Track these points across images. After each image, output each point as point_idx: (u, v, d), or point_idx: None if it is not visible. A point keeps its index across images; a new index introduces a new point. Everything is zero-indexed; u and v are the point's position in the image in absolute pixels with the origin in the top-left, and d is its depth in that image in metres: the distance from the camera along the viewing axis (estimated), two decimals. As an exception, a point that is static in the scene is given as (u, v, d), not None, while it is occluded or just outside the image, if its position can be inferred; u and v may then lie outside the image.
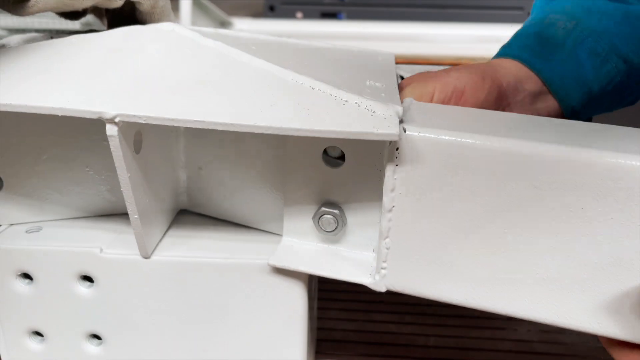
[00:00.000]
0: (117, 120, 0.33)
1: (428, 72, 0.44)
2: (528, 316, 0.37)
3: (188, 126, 0.32)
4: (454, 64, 1.36)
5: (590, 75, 0.46)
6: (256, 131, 0.32)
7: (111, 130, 0.33)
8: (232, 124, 0.32)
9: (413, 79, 0.44)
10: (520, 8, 1.60)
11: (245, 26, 1.55)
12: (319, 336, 0.57)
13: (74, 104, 0.33)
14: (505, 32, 1.45)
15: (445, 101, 0.43)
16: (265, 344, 0.42)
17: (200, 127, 0.32)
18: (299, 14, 1.63)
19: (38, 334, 0.43)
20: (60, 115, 0.33)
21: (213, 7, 1.45)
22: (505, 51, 0.49)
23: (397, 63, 0.52)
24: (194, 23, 1.36)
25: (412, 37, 1.49)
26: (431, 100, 0.43)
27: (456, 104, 0.43)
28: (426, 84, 0.43)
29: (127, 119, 0.33)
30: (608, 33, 0.46)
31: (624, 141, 0.34)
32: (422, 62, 1.37)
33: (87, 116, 0.33)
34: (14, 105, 0.33)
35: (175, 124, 0.33)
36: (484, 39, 1.45)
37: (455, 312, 0.60)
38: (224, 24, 1.55)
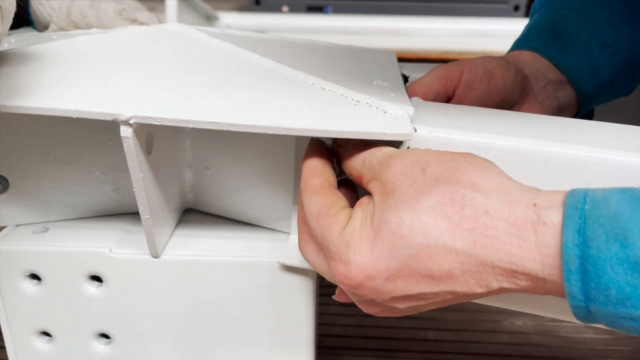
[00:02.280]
0: (131, 121, 0.33)
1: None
2: (529, 310, 0.39)
3: (203, 127, 0.33)
4: (441, 58, 1.36)
5: (602, 66, 0.48)
6: (271, 132, 0.33)
7: (125, 131, 0.33)
8: (246, 125, 0.33)
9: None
10: (505, 2, 1.62)
11: (231, 20, 1.55)
12: (320, 331, 0.57)
13: (89, 106, 0.33)
14: (490, 26, 1.47)
15: (477, 81, 0.44)
16: (273, 340, 0.43)
17: (216, 128, 0.32)
18: (285, 8, 1.62)
19: (46, 334, 0.43)
20: (74, 117, 0.33)
21: (199, 1, 1.44)
22: (521, 44, 0.50)
23: None
24: (179, 17, 1.35)
25: (398, 31, 1.50)
26: (460, 80, 0.44)
27: (487, 85, 0.44)
28: (454, 66, 0.44)
29: (142, 121, 0.33)
30: (615, 27, 0.49)
31: (622, 140, 0.35)
32: (409, 56, 1.38)
33: (102, 118, 0.33)
34: (28, 108, 0.33)
35: (190, 125, 0.33)
36: (469, 33, 1.47)
37: (453, 306, 0.61)
38: (209, 18, 1.54)
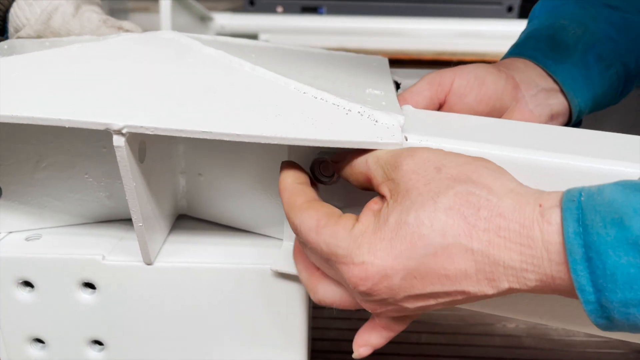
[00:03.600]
0: (124, 131, 0.33)
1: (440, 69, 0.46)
2: (525, 318, 0.39)
3: (195, 137, 0.33)
4: (435, 59, 1.36)
5: (596, 78, 0.49)
6: (263, 141, 0.33)
7: (118, 141, 0.33)
8: (238, 135, 0.33)
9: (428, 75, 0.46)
10: (498, 3, 1.62)
11: (226, 21, 1.55)
12: (314, 335, 0.57)
13: (81, 115, 0.33)
14: (484, 27, 1.48)
15: (468, 88, 0.44)
16: (267, 345, 0.43)
17: (208, 137, 0.33)
18: (280, 9, 1.62)
19: (39, 341, 0.43)
20: (67, 126, 0.33)
21: (193, 2, 1.44)
22: (517, 51, 0.51)
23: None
24: (174, 18, 1.35)
25: (392, 32, 1.50)
26: (451, 86, 0.45)
27: (478, 92, 0.45)
28: (445, 72, 0.45)
29: (134, 130, 0.33)
30: (611, 40, 0.49)
31: (613, 148, 0.36)
32: (403, 57, 1.39)
33: (95, 127, 0.33)
34: (20, 117, 0.33)
35: (183, 135, 0.33)
36: (463, 34, 1.47)
37: (446, 310, 0.61)
38: (204, 19, 1.54)
